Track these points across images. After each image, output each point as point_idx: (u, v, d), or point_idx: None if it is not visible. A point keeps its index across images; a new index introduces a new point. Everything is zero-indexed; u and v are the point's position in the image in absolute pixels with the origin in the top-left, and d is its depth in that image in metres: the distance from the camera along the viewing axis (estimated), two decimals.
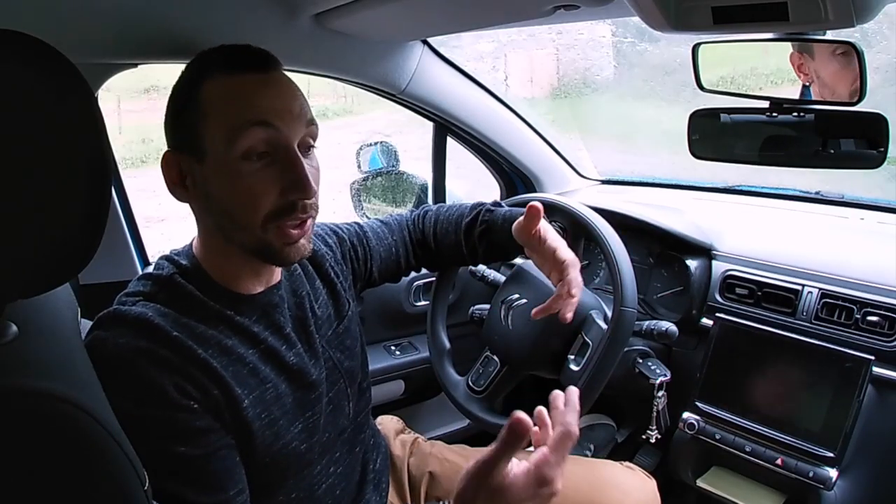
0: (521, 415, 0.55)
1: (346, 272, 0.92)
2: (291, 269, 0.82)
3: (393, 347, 1.47)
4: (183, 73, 0.72)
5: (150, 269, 0.74)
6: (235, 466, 0.67)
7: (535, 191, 1.60)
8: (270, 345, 0.74)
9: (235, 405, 0.67)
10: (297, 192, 0.68)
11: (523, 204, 1.06)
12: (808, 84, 0.90)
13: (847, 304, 1.04)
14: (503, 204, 1.02)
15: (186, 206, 0.74)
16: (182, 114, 0.70)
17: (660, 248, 1.29)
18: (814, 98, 0.91)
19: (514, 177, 1.62)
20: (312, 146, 0.73)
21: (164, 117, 0.72)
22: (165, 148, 0.72)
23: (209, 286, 0.71)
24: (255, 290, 0.75)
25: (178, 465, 0.63)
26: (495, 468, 0.57)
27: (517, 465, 0.59)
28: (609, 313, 0.99)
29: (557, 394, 0.65)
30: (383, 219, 1.05)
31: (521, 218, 0.91)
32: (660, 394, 1.05)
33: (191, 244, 0.76)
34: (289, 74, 0.74)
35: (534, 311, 0.89)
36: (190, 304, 0.69)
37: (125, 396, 0.57)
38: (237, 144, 0.66)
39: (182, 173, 0.71)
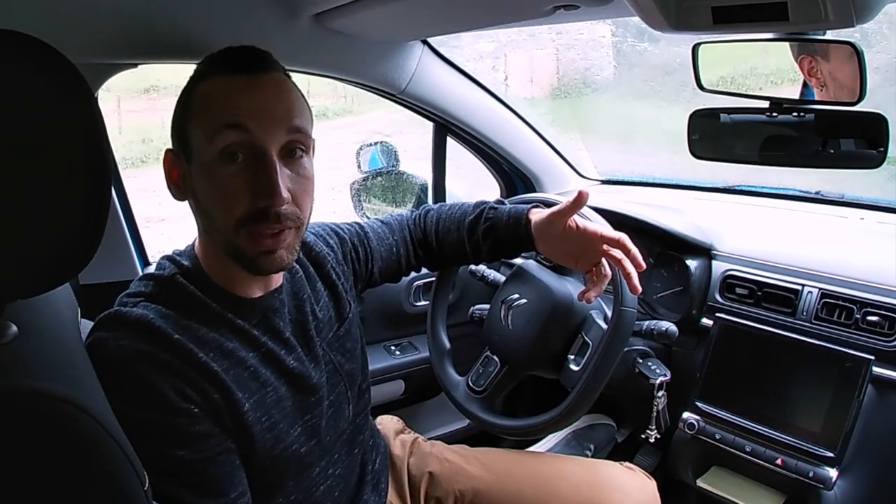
0: None
1: (348, 273, 0.92)
2: (293, 271, 0.82)
3: (393, 347, 1.47)
4: (191, 76, 0.72)
5: (152, 269, 0.74)
6: (235, 470, 0.67)
7: (534, 191, 1.60)
8: (270, 349, 0.73)
9: (236, 409, 0.67)
10: (265, 197, 0.66)
11: (526, 203, 1.06)
12: (820, 87, 0.89)
13: (847, 304, 1.04)
14: (506, 202, 1.03)
15: (186, 206, 0.74)
16: (178, 114, 0.71)
17: (660, 248, 1.29)
18: (817, 98, 0.91)
19: (514, 177, 1.62)
20: (301, 152, 0.70)
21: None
22: (165, 148, 0.72)
23: (210, 288, 0.71)
24: (253, 293, 0.74)
25: (178, 468, 0.63)
26: None
27: None
28: (609, 313, 0.99)
29: None
30: (384, 219, 1.05)
31: (557, 207, 0.91)
32: (660, 394, 1.05)
33: (193, 244, 0.76)
34: (287, 78, 0.73)
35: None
36: (191, 305, 0.69)
37: (125, 399, 0.57)
38: (212, 145, 0.66)
39: (178, 172, 0.71)
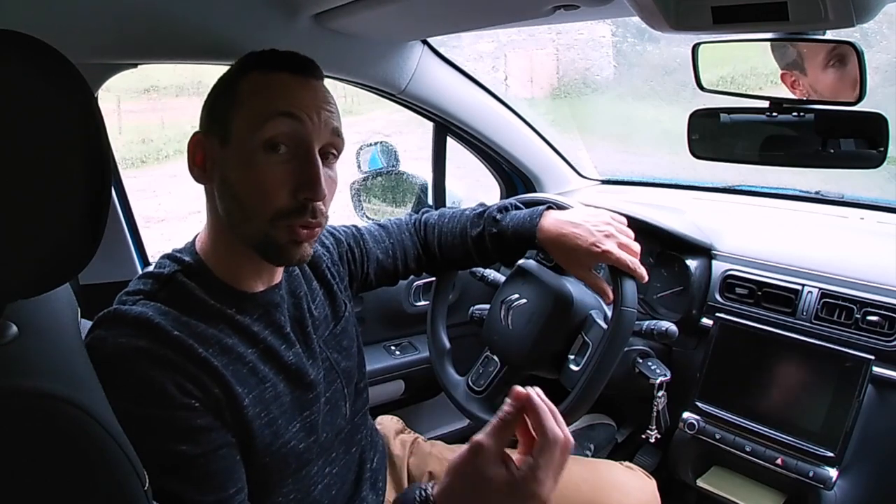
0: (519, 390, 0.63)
1: (343, 273, 0.93)
2: (290, 269, 0.83)
3: (393, 347, 1.47)
4: (229, 68, 0.75)
5: (151, 267, 0.74)
6: (235, 465, 0.67)
7: (535, 191, 1.60)
8: (269, 344, 0.74)
9: (236, 404, 0.67)
10: (306, 190, 0.69)
11: (526, 203, 1.06)
12: (804, 97, 0.90)
13: (847, 304, 1.04)
14: (510, 207, 1.03)
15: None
16: (217, 101, 0.73)
17: (660, 248, 1.29)
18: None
19: (514, 177, 1.62)
20: (334, 157, 0.74)
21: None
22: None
23: (211, 283, 0.72)
24: (256, 288, 0.75)
25: (179, 463, 0.63)
26: (488, 450, 0.63)
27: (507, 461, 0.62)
28: (609, 313, 0.99)
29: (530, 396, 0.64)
30: (382, 222, 1.06)
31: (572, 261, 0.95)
32: (660, 394, 1.05)
33: (193, 241, 0.76)
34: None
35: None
36: (191, 302, 0.69)
37: (125, 396, 0.57)
38: (261, 132, 0.68)
39: (204, 156, 0.72)
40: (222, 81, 0.74)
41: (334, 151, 0.74)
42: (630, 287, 0.95)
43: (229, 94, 0.71)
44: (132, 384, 0.61)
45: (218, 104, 0.72)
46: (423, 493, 0.64)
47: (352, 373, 0.87)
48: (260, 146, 0.68)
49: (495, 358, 1.12)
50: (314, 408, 0.77)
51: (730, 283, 1.18)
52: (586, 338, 1.01)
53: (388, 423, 1.09)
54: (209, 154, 0.72)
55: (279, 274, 0.79)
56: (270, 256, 0.72)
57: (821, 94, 0.88)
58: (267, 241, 0.70)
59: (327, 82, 0.76)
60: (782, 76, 0.91)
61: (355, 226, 1.01)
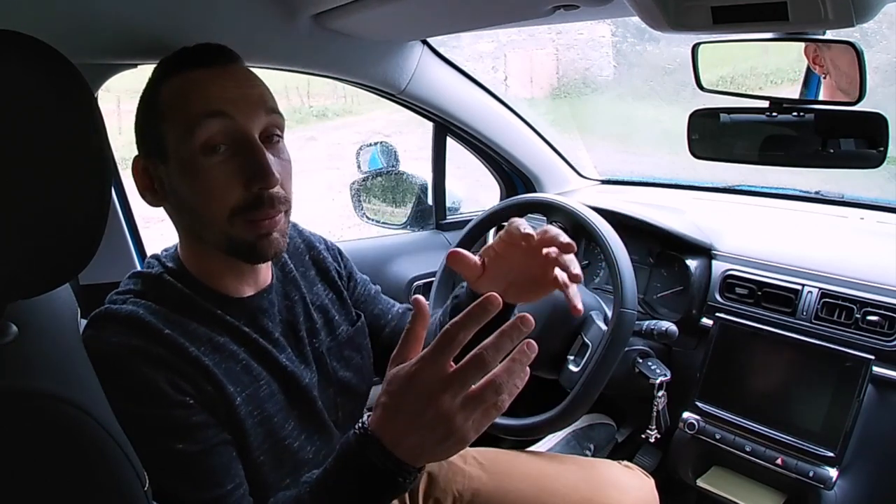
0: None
1: (351, 288, 0.91)
2: (287, 271, 0.82)
3: None
4: (148, 80, 0.72)
5: (141, 267, 0.74)
6: (233, 461, 0.67)
7: (534, 191, 1.60)
8: (261, 345, 0.73)
9: (228, 402, 0.67)
10: (258, 180, 0.66)
11: (526, 203, 1.06)
12: (823, 76, 0.89)
13: (847, 304, 1.04)
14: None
15: None
16: (145, 119, 0.70)
17: (660, 248, 1.29)
18: (821, 93, 0.90)
19: (514, 177, 1.62)
20: (278, 137, 0.71)
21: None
22: None
23: (197, 287, 0.71)
24: (243, 293, 0.74)
25: (176, 461, 0.63)
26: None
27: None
28: (609, 314, 0.99)
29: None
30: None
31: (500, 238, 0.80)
32: (660, 394, 1.05)
33: (175, 248, 0.75)
34: (258, 71, 0.73)
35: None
36: (180, 301, 0.69)
37: (120, 395, 0.57)
38: (194, 138, 0.66)
39: (151, 178, 0.70)
40: (144, 98, 0.71)
41: (277, 132, 0.71)
42: (630, 288, 0.95)
43: (153, 108, 0.69)
44: (126, 383, 0.61)
45: (145, 122, 0.70)
46: (361, 423, 0.59)
47: (349, 385, 0.83)
48: (197, 152, 0.66)
49: None
50: (306, 410, 0.76)
51: (730, 283, 1.17)
52: (586, 339, 1.02)
53: None
54: (154, 175, 0.70)
55: (268, 276, 0.78)
56: (244, 256, 0.70)
57: (841, 69, 0.86)
58: (232, 242, 0.68)
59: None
60: (805, 48, 0.89)
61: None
